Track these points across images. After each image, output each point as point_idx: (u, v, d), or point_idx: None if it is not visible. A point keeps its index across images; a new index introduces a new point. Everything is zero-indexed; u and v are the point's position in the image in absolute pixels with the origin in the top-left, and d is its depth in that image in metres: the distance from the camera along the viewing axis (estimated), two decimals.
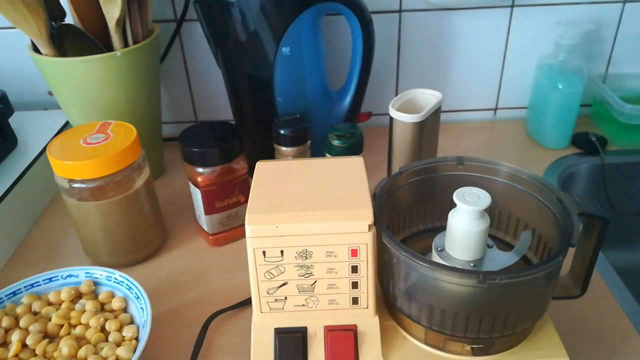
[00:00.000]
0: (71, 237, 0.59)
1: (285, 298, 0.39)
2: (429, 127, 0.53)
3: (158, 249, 0.56)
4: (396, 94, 0.77)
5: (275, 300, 0.39)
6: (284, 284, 0.39)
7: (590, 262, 0.40)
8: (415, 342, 0.40)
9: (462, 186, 0.39)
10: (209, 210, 0.53)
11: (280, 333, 0.39)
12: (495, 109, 0.79)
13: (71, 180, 0.48)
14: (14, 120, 0.65)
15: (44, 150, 0.64)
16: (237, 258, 0.55)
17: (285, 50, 0.58)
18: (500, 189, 0.43)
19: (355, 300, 0.39)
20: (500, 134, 0.76)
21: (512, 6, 0.71)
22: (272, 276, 0.38)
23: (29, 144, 0.65)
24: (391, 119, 0.53)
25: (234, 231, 0.56)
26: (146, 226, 0.53)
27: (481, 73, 0.76)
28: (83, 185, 0.48)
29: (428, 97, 0.55)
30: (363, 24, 0.60)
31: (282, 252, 0.37)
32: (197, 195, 0.53)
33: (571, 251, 0.38)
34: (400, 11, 0.71)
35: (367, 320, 0.40)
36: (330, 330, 0.39)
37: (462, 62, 0.75)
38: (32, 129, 0.68)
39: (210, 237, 0.55)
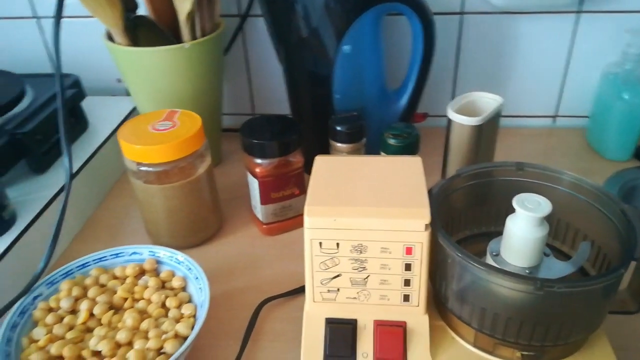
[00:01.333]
0: (134, 217, 0.62)
1: (338, 289, 0.40)
2: (487, 131, 0.53)
3: (215, 234, 0.58)
4: (453, 96, 0.76)
5: (328, 291, 0.41)
6: (338, 275, 0.40)
7: None
8: (464, 344, 0.40)
9: (520, 192, 0.38)
10: (264, 200, 0.55)
11: (331, 323, 0.41)
12: (555, 117, 0.77)
13: (139, 164, 0.51)
14: (85, 104, 0.69)
15: (112, 133, 0.68)
16: (288, 248, 0.57)
17: (346, 48, 0.59)
18: (559, 197, 0.42)
19: (406, 298, 0.40)
20: (559, 142, 0.74)
21: (579, 12, 0.69)
22: (327, 267, 0.40)
23: (98, 127, 0.69)
24: (449, 120, 0.53)
25: (286, 222, 0.58)
26: (205, 211, 0.55)
27: (542, 79, 0.74)
28: (150, 169, 0.51)
29: (487, 101, 0.55)
30: (425, 25, 0.60)
31: (337, 244, 0.39)
32: (254, 185, 0.55)
33: (631, 266, 0.37)
34: (461, 13, 0.70)
35: (417, 318, 0.40)
36: (379, 325, 0.40)
37: (523, 66, 0.73)
38: (101, 113, 0.72)
39: (264, 226, 0.57)
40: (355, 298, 0.41)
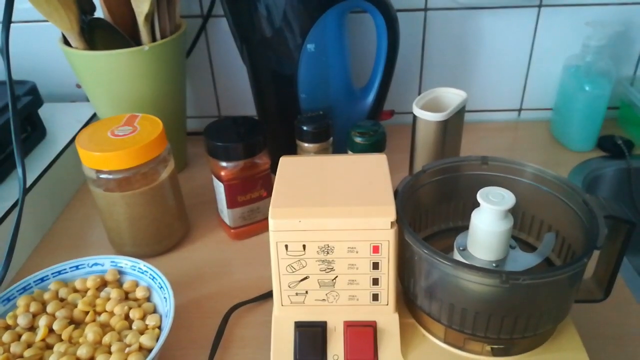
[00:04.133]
0: (96, 226, 0.60)
1: (306, 292, 0.40)
2: (452, 126, 0.53)
3: (181, 240, 0.57)
4: (419, 93, 0.77)
5: (296, 294, 0.40)
6: (305, 278, 0.39)
7: (614, 266, 0.39)
8: (435, 341, 0.40)
9: (486, 186, 0.38)
10: (231, 204, 0.54)
11: (300, 327, 0.40)
12: (520, 110, 0.78)
13: (98, 171, 0.49)
14: (43, 112, 0.66)
15: (72, 141, 0.66)
16: (258, 252, 0.56)
17: (310, 47, 0.58)
18: (524, 189, 0.43)
19: (375, 297, 0.40)
20: (524, 135, 0.75)
21: (540, 6, 0.70)
22: (294, 270, 0.39)
23: (57, 134, 0.67)
24: (415, 117, 0.53)
25: (255, 225, 0.57)
26: (170, 218, 0.54)
27: (506, 73, 0.75)
28: (110, 176, 0.49)
29: (452, 96, 0.55)
30: (388, 22, 0.60)
31: (304, 246, 0.38)
32: (220, 189, 0.54)
33: (595, 255, 0.37)
34: (425, 9, 0.70)
35: (386, 317, 0.40)
36: (349, 326, 0.40)
37: (487, 61, 0.74)
38: (60, 120, 0.70)
39: (232, 230, 0.56)
40: (324, 300, 0.40)
